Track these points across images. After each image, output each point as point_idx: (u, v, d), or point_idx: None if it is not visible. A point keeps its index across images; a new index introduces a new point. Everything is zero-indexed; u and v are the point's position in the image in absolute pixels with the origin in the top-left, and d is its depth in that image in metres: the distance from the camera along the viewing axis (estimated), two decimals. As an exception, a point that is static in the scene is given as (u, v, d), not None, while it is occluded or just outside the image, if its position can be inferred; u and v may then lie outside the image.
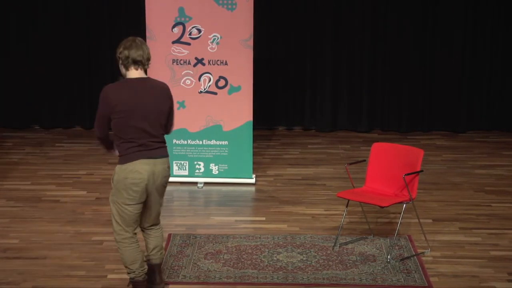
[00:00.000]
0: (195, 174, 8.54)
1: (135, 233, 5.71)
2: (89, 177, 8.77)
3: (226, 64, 8.26)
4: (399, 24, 10.41)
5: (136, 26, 9.48)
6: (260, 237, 7.08)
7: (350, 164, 7.08)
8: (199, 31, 8.20)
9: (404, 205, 6.71)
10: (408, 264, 6.55)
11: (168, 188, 5.77)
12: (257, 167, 9.02)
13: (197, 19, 8.17)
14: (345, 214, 6.97)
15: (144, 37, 8.03)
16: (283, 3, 10.45)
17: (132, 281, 5.79)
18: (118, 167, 5.55)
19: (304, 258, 6.64)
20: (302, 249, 6.82)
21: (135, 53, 5.48)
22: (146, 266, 5.83)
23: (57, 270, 6.41)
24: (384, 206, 6.61)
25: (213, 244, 6.91)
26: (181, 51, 8.25)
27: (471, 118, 10.63)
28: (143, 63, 5.53)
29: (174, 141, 8.38)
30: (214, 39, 8.22)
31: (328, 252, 6.77)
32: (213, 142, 8.45)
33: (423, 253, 6.76)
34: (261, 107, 10.12)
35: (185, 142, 8.46)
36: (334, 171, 9.02)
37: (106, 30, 10.51)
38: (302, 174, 8.92)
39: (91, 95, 10.56)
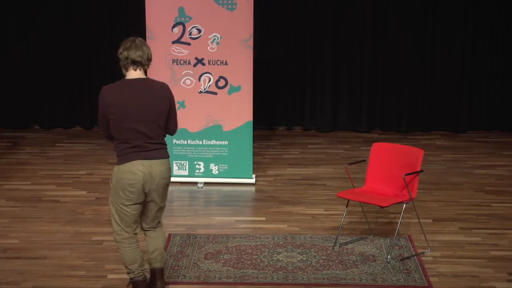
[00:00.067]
0: (195, 174, 8.54)
1: (135, 233, 5.70)
2: (89, 177, 8.77)
3: (226, 64, 8.26)
4: (399, 24, 10.41)
5: (136, 26, 9.48)
6: (260, 237, 7.08)
7: (350, 164, 7.08)
8: (199, 31, 8.20)
9: (404, 205, 6.71)
10: (408, 264, 6.55)
11: (168, 188, 5.75)
12: (257, 167, 9.02)
13: (197, 19, 8.18)
14: (345, 214, 6.97)
15: (144, 37, 8.03)
16: (283, 3, 10.46)
17: (132, 281, 5.79)
18: (115, 167, 5.55)
19: (304, 258, 6.64)
20: (302, 249, 6.82)
21: (134, 54, 5.46)
22: (146, 266, 5.83)
23: (57, 270, 6.41)
24: (384, 206, 6.61)
25: (213, 244, 6.91)
26: (181, 51, 8.25)
27: (471, 118, 10.64)
28: (142, 64, 5.50)
29: (174, 141, 8.38)
30: (214, 39, 8.22)
31: (328, 252, 6.77)
32: (213, 142, 8.45)
33: (423, 253, 6.76)
34: (261, 107, 10.11)
35: (185, 142, 8.46)
36: (334, 171, 9.02)
37: (106, 30, 10.51)
38: (302, 174, 8.92)
39: (91, 95, 10.55)
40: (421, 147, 7.31)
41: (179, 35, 8.21)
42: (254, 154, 8.93)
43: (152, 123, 5.49)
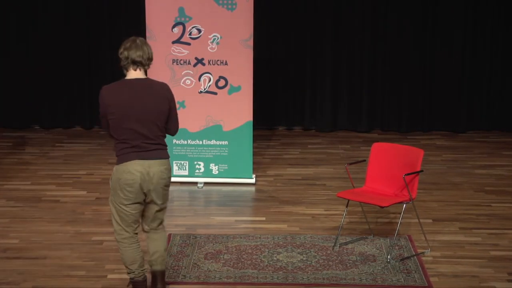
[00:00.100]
0: (195, 174, 8.54)
1: (136, 233, 5.69)
2: (89, 177, 8.77)
3: (226, 64, 8.26)
4: (399, 24, 10.41)
5: (136, 26, 9.48)
6: (260, 237, 7.08)
7: (350, 164, 7.08)
8: (199, 31, 8.20)
9: (404, 205, 6.71)
10: (408, 264, 6.55)
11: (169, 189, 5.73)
12: (257, 167, 9.02)
13: (197, 19, 8.18)
14: (345, 214, 6.97)
15: (144, 37, 8.02)
16: (283, 3, 10.45)
17: (132, 281, 5.78)
18: (114, 167, 5.55)
19: (304, 258, 6.64)
20: (302, 249, 6.82)
21: (134, 54, 5.45)
22: (146, 267, 5.83)
23: (57, 270, 6.41)
24: (384, 206, 6.61)
25: (213, 244, 6.91)
26: (181, 51, 8.25)
27: (471, 118, 10.63)
28: (143, 64, 5.49)
29: (174, 141, 8.38)
30: (214, 39, 8.22)
31: (328, 252, 6.77)
32: (213, 142, 8.45)
33: (423, 253, 6.76)
34: (261, 107, 10.12)
35: (185, 142, 8.46)
36: (334, 171, 9.02)
37: (106, 30, 10.51)
38: (302, 174, 8.92)
39: (91, 95, 10.56)
40: (421, 147, 7.31)
41: (179, 35, 8.21)
42: (254, 154, 8.93)
43: (151, 123, 5.48)
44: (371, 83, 10.59)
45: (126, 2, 10.43)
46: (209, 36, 8.20)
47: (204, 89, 8.34)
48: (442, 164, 9.30)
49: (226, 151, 8.46)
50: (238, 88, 8.32)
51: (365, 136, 10.47)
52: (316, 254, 6.72)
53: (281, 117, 10.80)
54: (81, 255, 6.70)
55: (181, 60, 8.26)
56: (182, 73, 8.30)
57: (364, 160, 7.28)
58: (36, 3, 10.44)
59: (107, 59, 10.47)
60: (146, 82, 5.51)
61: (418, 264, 6.55)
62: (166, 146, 5.62)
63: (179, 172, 8.50)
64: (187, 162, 8.51)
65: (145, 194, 5.56)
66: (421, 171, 6.72)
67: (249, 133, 8.42)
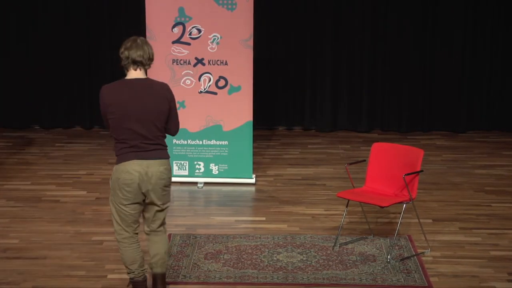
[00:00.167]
0: (195, 174, 8.54)
1: (136, 233, 5.68)
2: (89, 177, 8.77)
3: (226, 64, 8.26)
4: (399, 24, 10.41)
5: (136, 26, 9.48)
6: (260, 237, 7.08)
7: (350, 164, 7.08)
8: (199, 31, 8.20)
9: (404, 205, 6.71)
10: (408, 264, 6.55)
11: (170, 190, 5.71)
12: (257, 167, 9.02)
13: (197, 19, 8.18)
14: (345, 214, 6.97)
15: (144, 37, 8.01)
16: (283, 3, 10.46)
17: (132, 281, 5.78)
18: (114, 167, 5.54)
19: (304, 258, 6.64)
20: (302, 249, 6.82)
21: (134, 54, 5.44)
22: (146, 267, 5.82)
23: (57, 270, 6.41)
24: (384, 206, 6.61)
25: (213, 244, 6.91)
26: (181, 51, 8.25)
27: (471, 118, 10.64)
28: (143, 64, 5.47)
29: (174, 141, 8.38)
30: (214, 39, 8.22)
31: (328, 252, 6.77)
32: (213, 142, 8.45)
33: (423, 253, 6.76)
34: (261, 107, 10.12)
35: (185, 142, 8.46)
36: (334, 171, 9.02)
37: (106, 30, 10.51)
38: (302, 174, 8.92)
39: (91, 95, 10.56)
40: (421, 147, 7.31)
41: (179, 35, 8.21)
42: (254, 154, 8.93)
43: (151, 123, 5.46)
44: (371, 83, 10.59)
45: (126, 2, 10.43)
46: (209, 36, 8.20)
47: (204, 89, 8.34)
48: (442, 164, 9.30)
49: (226, 151, 8.46)
50: (238, 88, 8.32)
51: (365, 136, 10.47)
52: (316, 254, 6.72)
53: (281, 117, 10.81)
54: (81, 255, 6.70)
55: (181, 60, 8.27)
56: (182, 73, 8.30)
57: (364, 160, 7.28)
58: (36, 3, 10.44)
59: (107, 59, 10.48)
60: (146, 82, 5.50)
61: (418, 264, 6.55)
62: (166, 146, 5.60)
63: (179, 172, 8.51)
64: (187, 162, 8.51)
65: (144, 195, 5.54)
66: (421, 171, 6.72)
67: (249, 133, 8.42)
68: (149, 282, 5.86)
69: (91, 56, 10.60)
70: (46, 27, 10.48)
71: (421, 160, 6.70)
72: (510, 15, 10.38)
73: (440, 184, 8.58)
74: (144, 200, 5.58)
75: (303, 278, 6.29)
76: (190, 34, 8.21)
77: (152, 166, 5.47)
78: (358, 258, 6.67)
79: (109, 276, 6.31)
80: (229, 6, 8.14)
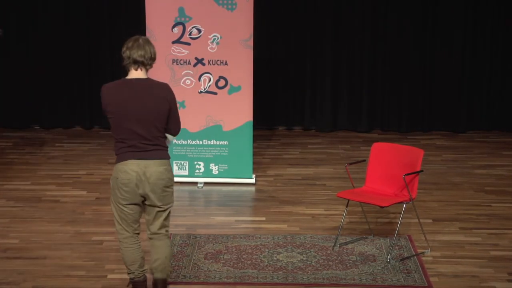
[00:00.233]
0: (195, 174, 8.54)
1: (137, 233, 5.65)
2: (89, 177, 8.77)
3: (226, 64, 8.26)
4: (399, 24, 10.41)
5: (136, 26, 9.47)
6: (260, 237, 7.08)
7: (350, 164, 7.08)
8: (199, 31, 8.20)
9: (404, 205, 6.71)
10: (408, 264, 6.55)
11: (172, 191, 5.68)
12: (257, 167, 9.02)
13: (197, 19, 8.18)
14: (345, 214, 6.97)
15: (144, 37, 8.02)
16: (283, 3, 10.45)
17: (132, 281, 5.77)
18: (114, 166, 5.53)
19: (304, 258, 6.64)
20: (302, 249, 6.82)
21: (136, 53, 5.42)
22: (146, 267, 5.81)
23: (57, 270, 6.41)
24: (384, 206, 6.61)
25: (213, 244, 6.91)
26: (181, 51, 8.25)
27: (471, 118, 10.63)
28: (144, 64, 5.45)
29: (174, 141, 8.38)
30: (214, 39, 8.22)
31: (328, 252, 6.77)
32: (213, 142, 8.45)
33: (423, 253, 6.76)
34: (261, 107, 10.12)
35: (185, 142, 8.46)
36: (334, 171, 9.02)
37: (106, 30, 10.51)
38: (302, 174, 8.92)
39: (91, 95, 10.57)
40: (421, 147, 7.31)
41: (179, 35, 8.21)
42: (254, 154, 8.93)
43: (150, 124, 5.44)
44: (371, 83, 10.59)
45: (126, 2, 10.43)
46: (209, 36, 8.20)
47: (204, 89, 8.34)
48: (442, 164, 9.30)
49: (226, 151, 8.46)
50: (238, 88, 8.32)
51: (365, 136, 10.47)
52: (316, 254, 6.72)
53: (281, 117, 10.80)
54: (81, 255, 6.70)
55: (181, 60, 8.27)
56: (182, 73, 8.30)
57: (364, 160, 7.28)
58: (36, 3, 10.44)
59: (107, 59, 10.48)
60: (146, 82, 5.48)
61: (418, 264, 6.55)
62: (166, 147, 5.58)
63: (179, 172, 8.50)
64: (187, 162, 8.51)
65: (144, 197, 5.51)
66: (421, 171, 6.72)
67: (249, 133, 8.42)
68: (149, 283, 5.85)
69: (91, 56, 10.60)
70: (46, 27, 10.47)
71: (421, 160, 6.70)
72: (510, 15, 10.38)
73: (440, 184, 8.58)
74: (144, 202, 5.55)
75: (303, 278, 6.29)
76: (190, 34, 8.21)
77: (151, 166, 5.45)
78: (358, 258, 6.67)
79: (109, 276, 6.32)
80: (229, 6, 8.14)
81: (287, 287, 6.18)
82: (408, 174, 6.63)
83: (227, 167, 8.50)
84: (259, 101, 9.54)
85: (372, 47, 10.49)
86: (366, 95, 10.60)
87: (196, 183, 8.53)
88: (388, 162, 6.88)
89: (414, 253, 6.75)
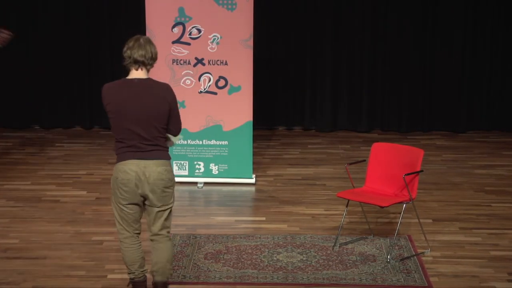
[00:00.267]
0: (195, 174, 8.54)
1: (137, 233, 5.64)
2: (89, 177, 8.77)
3: (226, 64, 8.26)
4: (399, 24, 10.41)
5: (136, 26, 9.48)
6: (260, 237, 7.08)
7: (350, 164, 7.08)
8: (199, 31, 8.20)
9: (404, 205, 6.71)
10: (408, 264, 6.55)
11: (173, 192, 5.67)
12: (257, 167, 9.02)
13: (197, 19, 8.18)
14: (345, 214, 6.97)
15: (144, 37, 8.02)
16: (283, 3, 10.46)
17: (132, 281, 5.77)
18: (114, 166, 5.53)
19: (304, 258, 6.64)
20: (302, 249, 6.82)
21: (136, 53, 5.41)
22: (146, 267, 5.80)
23: (57, 270, 6.41)
24: (384, 206, 6.61)
25: (213, 244, 6.91)
26: (181, 51, 8.25)
27: (471, 118, 10.63)
28: (145, 64, 5.44)
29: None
30: (214, 39, 8.22)
31: (328, 252, 6.77)
32: (213, 142, 8.45)
33: (423, 253, 6.76)
34: (261, 107, 10.12)
35: (185, 142, 8.46)
36: (334, 171, 9.02)
37: (106, 30, 10.51)
38: (302, 174, 8.92)
39: (91, 95, 10.57)
40: (421, 147, 7.31)
41: (179, 35, 8.21)
42: (254, 154, 8.93)
43: (149, 124, 5.43)
44: (371, 83, 10.59)
45: (126, 2, 10.43)
46: (209, 36, 8.20)
47: (204, 89, 8.34)
48: (442, 164, 9.30)
49: (226, 151, 8.46)
50: (238, 88, 8.32)
51: (365, 136, 10.47)
52: (316, 254, 6.72)
53: (281, 117, 10.80)
54: (81, 255, 6.69)
55: (181, 60, 8.27)
56: (182, 73, 8.30)
57: (364, 160, 7.28)
58: (36, 3, 10.44)
59: (107, 59, 10.48)
60: (146, 82, 5.47)
61: (418, 264, 6.55)
62: (166, 147, 5.57)
63: (179, 172, 8.50)
64: (187, 162, 8.51)
65: (143, 196, 5.51)
66: (421, 171, 6.72)
67: (249, 133, 8.42)
68: (150, 283, 5.85)
69: (91, 56, 10.60)
70: (46, 27, 10.47)
71: (421, 160, 6.70)
72: (510, 15, 10.38)
73: (440, 184, 8.58)
74: (144, 202, 5.55)
75: (303, 278, 6.29)
76: (190, 34, 8.21)
77: (150, 167, 5.45)
78: (358, 258, 6.67)
79: (109, 276, 6.31)
80: (229, 6, 8.14)
81: (287, 287, 6.18)
82: (408, 174, 6.63)
83: (227, 167, 8.50)
84: (259, 101, 9.54)
85: (372, 47, 10.49)
86: (366, 95, 10.60)
87: (196, 183, 8.53)
88: (388, 162, 6.88)
89: (414, 253, 6.75)
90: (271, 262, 6.56)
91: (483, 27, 10.40)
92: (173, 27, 8.20)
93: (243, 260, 6.60)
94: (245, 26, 8.16)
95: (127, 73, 5.50)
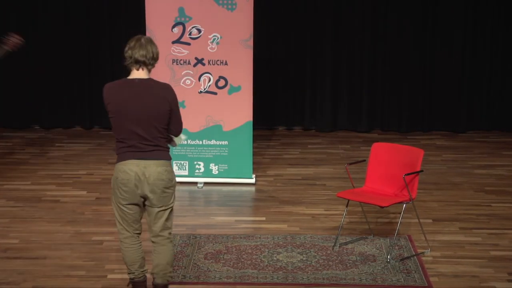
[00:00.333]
0: (195, 174, 8.54)
1: (137, 233, 5.63)
2: (89, 177, 8.77)
3: (226, 64, 8.26)
4: (399, 24, 10.41)
5: (136, 26, 9.48)
6: (260, 237, 7.08)
7: (350, 164, 7.08)
8: (199, 31, 8.20)
9: (404, 205, 6.71)
10: (408, 264, 6.55)
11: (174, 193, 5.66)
12: (257, 167, 9.02)
13: (197, 19, 8.18)
14: (345, 214, 6.97)
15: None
16: (283, 3, 10.46)
17: (132, 281, 5.76)
18: (115, 166, 5.53)
19: (304, 258, 6.64)
20: (302, 249, 6.82)
21: (137, 53, 5.40)
22: (146, 268, 5.79)
23: (57, 270, 6.41)
24: (384, 206, 6.60)
25: (213, 244, 6.91)
26: (181, 51, 8.25)
27: (471, 118, 10.64)
28: (146, 63, 5.42)
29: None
30: (214, 39, 8.22)
31: (328, 252, 6.77)
32: (213, 142, 8.46)
33: (423, 253, 6.76)
34: (261, 107, 10.12)
35: (185, 142, 8.46)
36: (334, 171, 9.02)
37: (106, 30, 10.51)
38: (302, 174, 8.92)
39: (91, 95, 10.57)
40: (421, 147, 7.31)
41: (179, 35, 8.21)
42: (254, 154, 8.93)
43: (149, 124, 5.42)
44: (371, 83, 10.59)
45: (126, 2, 10.43)
46: (209, 36, 8.20)
47: (204, 89, 8.34)
48: (442, 164, 9.30)
49: (226, 151, 8.46)
50: (238, 88, 8.32)
51: (365, 136, 10.47)
52: (316, 254, 6.72)
53: (281, 117, 10.81)
54: (81, 255, 6.69)
55: (181, 60, 8.27)
56: (182, 73, 8.30)
57: (364, 160, 7.28)
58: (36, 3, 10.44)
59: (107, 59, 10.48)
60: (147, 83, 5.46)
61: (418, 264, 6.55)
62: (167, 148, 5.56)
63: (179, 172, 8.50)
64: (187, 162, 8.51)
65: (143, 197, 5.50)
66: (421, 171, 6.72)
67: (249, 133, 8.42)
68: (150, 284, 5.85)
69: (91, 56, 10.60)
70: (46, 27, 10.47)
71: (421, 160, 6.70)
72: (510, 15, 10.38)
73: (440, 184, 8.58)
74: (144, 203, 5.55)
75: (303, 278, 6.29)
76: (190, 34, 8.21)
77: (150, 167, 5.44)
78: (358, 258, 6.67)
79: (109, 276, 6.31)
80: (229, 6, 8.14)
81: (287, 287, 6.18)
82: (408, 174, 6.63)
83: (227, 167, 8.50)
84: (259, 101, 9.54)
85: (372, 47, 10.49)
86: (366, 95, 10.60)
87: (196, 183, 8.53)
88: (388, 162, 6.88)
89: (414, 253, 6.75)
90: (271, 262, 6.56)
91: (483, 27, 10.41)
92: (173, 27, 8.20)
93: (243, 260, 6.60)
94: (245, 26, 8.16)
95: (127, 73, 5.49)
